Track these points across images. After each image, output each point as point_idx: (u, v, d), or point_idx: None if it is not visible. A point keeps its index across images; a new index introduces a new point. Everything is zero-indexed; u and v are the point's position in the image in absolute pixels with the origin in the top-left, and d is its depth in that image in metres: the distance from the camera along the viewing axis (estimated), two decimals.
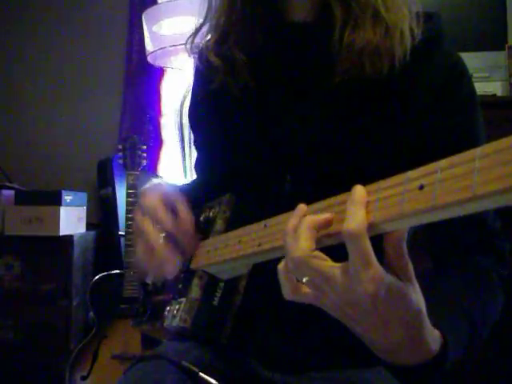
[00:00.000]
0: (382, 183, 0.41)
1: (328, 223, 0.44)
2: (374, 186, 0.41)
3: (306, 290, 0.46)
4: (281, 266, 0.46)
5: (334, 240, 0.44)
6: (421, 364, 0.48)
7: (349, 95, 0.69)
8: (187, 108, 0.91)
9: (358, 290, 0.40)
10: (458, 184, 0.32)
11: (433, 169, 0.35)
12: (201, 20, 0.81)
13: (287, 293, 0.46)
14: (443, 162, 0.35)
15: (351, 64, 0.66)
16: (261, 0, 0.74)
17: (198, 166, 0.92)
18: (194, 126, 0.90)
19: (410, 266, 0.43)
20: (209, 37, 0.80)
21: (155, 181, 0.80)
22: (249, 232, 0.57)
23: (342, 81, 0.67)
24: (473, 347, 0.58)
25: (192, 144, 1.96)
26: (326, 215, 0.44)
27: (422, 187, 0.36)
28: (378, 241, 0.42)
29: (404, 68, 0.66)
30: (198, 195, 0.81)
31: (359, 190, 0.41)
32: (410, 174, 0.38)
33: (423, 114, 0.68)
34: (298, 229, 0.44)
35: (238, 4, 0.75)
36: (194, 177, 0.95)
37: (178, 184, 0.94)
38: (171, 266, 0.67)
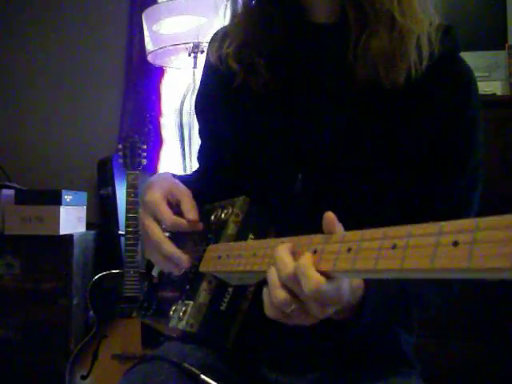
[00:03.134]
0: (413, 229, 0.37)
1: None
2: (403, 230, 0.38)
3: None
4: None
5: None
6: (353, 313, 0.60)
7: (365, 101, 0.69)
8: (188, 106, 0.91)
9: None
10: (497, 249, 0.30)
11: (469, 226, 0.32)
12: (226, 23, 0.80)
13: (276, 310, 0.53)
14: (481, 221, 0.32)
15: (366, 72, 0.67)
16: (284, 0, 0.74)
17: (202, 154, 0.91)
18: (200, 116, 0.88)
19: None
20: (228, 42, 0.78)
21: (160, 173, 0.79)
22: (265, 246, 0.55)
23: (360, 87, 0.68)
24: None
25: (192, 144, 1.96)
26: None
27: (456, 244, 0.33)
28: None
29: (421, 80, 0.67)
30: (202, 186, 0.80)
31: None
32: (443, 225, 0.35)
33: (433, 125, 0.69)
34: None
35: (256, 6, 0.75)
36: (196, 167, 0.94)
37: (182, 175, 0.93)
38: (176, 264, 0.67)
